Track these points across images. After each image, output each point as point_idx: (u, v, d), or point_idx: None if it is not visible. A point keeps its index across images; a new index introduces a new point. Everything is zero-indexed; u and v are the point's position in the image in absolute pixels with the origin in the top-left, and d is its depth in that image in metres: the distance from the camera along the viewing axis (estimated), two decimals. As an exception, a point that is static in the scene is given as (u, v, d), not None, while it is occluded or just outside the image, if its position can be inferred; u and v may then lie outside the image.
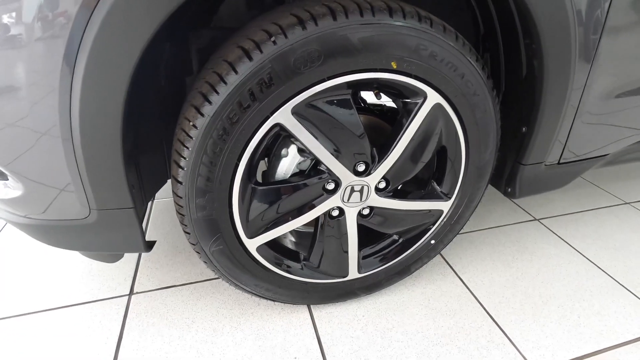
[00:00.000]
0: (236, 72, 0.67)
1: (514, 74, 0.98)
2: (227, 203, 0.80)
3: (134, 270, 1.21)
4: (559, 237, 1.43)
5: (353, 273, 1.03)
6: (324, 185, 0.87)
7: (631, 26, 0.91)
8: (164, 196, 1.61)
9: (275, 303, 1.09)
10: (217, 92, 0.68)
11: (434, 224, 1.04)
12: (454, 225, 1.07)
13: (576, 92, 0.93)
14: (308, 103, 0.74)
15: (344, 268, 1.01)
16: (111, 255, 0.95)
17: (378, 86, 0.82)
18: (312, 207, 0.88)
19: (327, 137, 0.79)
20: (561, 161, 1.07)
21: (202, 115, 0.69)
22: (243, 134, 0.72)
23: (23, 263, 1.23)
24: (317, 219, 0.92)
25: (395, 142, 0.86)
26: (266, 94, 0.69)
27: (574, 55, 0.86)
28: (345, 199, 0.89)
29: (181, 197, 0.78)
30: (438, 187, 0.99)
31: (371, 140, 0.84)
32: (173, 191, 0.80)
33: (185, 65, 1.02)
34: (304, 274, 0.99)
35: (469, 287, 1.18)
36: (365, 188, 0.89)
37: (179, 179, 0.75)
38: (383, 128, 0.96)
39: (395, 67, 0.74)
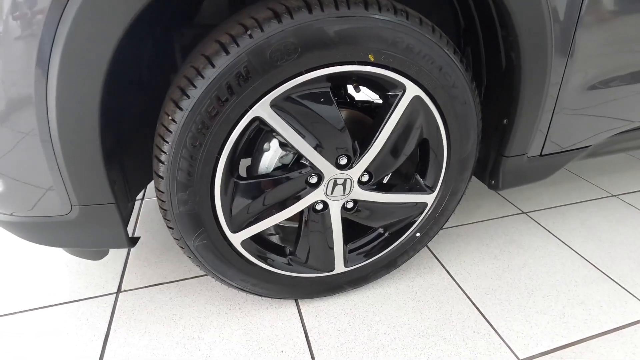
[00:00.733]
0: (213, 65, 0.68)
1: (495, 67, 0.99)
2: (210, 197, 0.80)
3: (122, 268, 1.21)
4: (545, 229, 1.44)
5: (339, 267, 1.03)
6: (307, 179, 0.87)
7: (607, 17, 0.92)
8: (153, 195, 1.61)
9: (263, 298, 1.10)
10: (194, 86, 0.69)
11: (418, 217, 1.05)
12: (438, 218, 1.08)
13: (554, 83, 0.94)
14: (287, 96, 0.75)
15: (330, 262, 1.02)
16: (95, 252, 0.96)
17: (357, 79, 0.83)
18: (296, 200, 0.89)
19: (308, 130, 0.80)
20: (543, 153, 1.09)
21: (181, 109, 0.70)
22: (222, 127, 0.73)
23: (9, 262, 1.23)
24: (301, 213, 0.93)
25: (377, 135, 0.86)
26: (244, 88, 0.70)
27: (550, 46, 0.87)
28: (329, 192, 0.90)
29: (163, 192, 0.78)
30: (422, 179, 1.00)
31: (353, 134, 0.85)
32: (155, 186, 0.80)
33: (169, 62, 1.02)
34: (290, 268, 1.00)
35: (455, 279, 1.19)
36: (348, 181, 0.90)
37: (160, 174, 0.76)
38: (364, 121, 0.97)
39: (372, 59, 0.75)
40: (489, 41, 0.97)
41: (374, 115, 0.97)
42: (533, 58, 0.88)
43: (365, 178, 0.92)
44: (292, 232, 1.05)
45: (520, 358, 0.95)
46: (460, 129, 0.92)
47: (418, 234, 1.08)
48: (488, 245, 1.35)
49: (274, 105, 0.74)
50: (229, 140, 0.75)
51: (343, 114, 0.85)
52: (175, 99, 0.71)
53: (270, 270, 0.97)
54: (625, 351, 0.97)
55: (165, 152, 0.73)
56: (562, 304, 1.11)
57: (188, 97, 0.69)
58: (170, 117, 0.71)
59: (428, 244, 1.32)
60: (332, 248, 0.99)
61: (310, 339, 0.98)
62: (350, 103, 1.02)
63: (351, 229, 1.03)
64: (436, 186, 1.00)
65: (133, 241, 0.86)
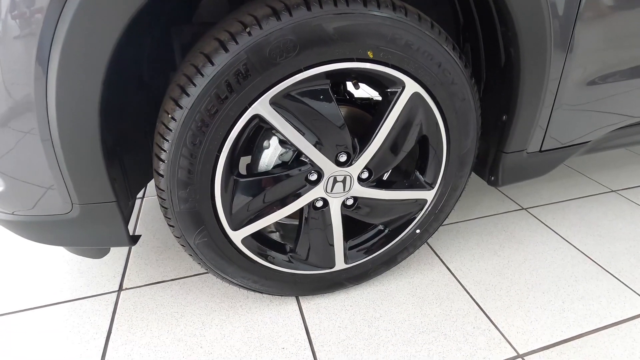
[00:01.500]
0: (212, 63, 0.68)
1: (494, 63, 0.99)
2: (210, 195, 0.80)
3: (123, 266, 1.21)
4: (545, 225, 1.45)
5: (340, 264, 1.04)
6: (307, 176, 0.87)
7: (606, 12, 0.92)
8: (153, 193, 1.62)
9: (264, 295, 1.10)
10: (194, 84, 0.69)
11: (418, 213, 1.05)
12: (438, 214, 1.08)
13: (554, 79, 0.94)
14: (286, 94, 0.75)
15: (331, 259, 1.02)
16: (97, 250, 0.96)
17: (356, 76, 0.83)
18: (296, 198, 0.89)
19: (307, 127, 0.80)
20: (543, 149, 1.09)
21: (180, 107, 0.70)
22: (222, 125, 0.73)
23: (10, 261, 1.23)
24: (301, 210, 0.93)
25: (376, 132, 0.87)
26: (243, 85, 0.70)
27: (550, 41, 0.87)
28: (329, 189, 0.90)
29: (163, 190, 0.78)
30: (421, 176, 1.00)
31: (352, 131, 0.85)
32: (155, 184, 0.80)
33: (168, 61, 1.02)
34: (291, 265, 1.00)
35: (456, 275, 1.19)
36: (348, 178, 0.90)
37: (160, 172, 0.76)
38: (363, 118, 0.97)
39: (371, 56, 0.75)
40: (488, 37, 0.97)
41: (374, 112, 0.97)
42: (532, 54, 0.88)
43: (365, 175, 0.92)
44: (292, 230, 1.06)
45: (520, 353, 0.95)
46: (459, 126, 0.92)
47: (418, 231, 1.09)
48: (488, 242, 1.35)
49: (274, 102, 0.74)
50: (229, 138, 0.75)
51: (342, 111, 0.85)
52: (174, 97, 0.71)
53: (271, 268, 0.98)
54: (624, 346, 0.98)
55: (165, 151, 0.74)
56: (562, 299, 1.11)
57: (187, 95, 0.69)
58: (170, 116, 0.71)
59: (428, 240, 1.32)
60: (332, 245, 0.99)
61: (311, 335, 0.99)
62: (350, 100, 1.02)
63: (351, 226, 1.03)
64: (436, 182, 1.00)
65: (134, 239, 0.87)
